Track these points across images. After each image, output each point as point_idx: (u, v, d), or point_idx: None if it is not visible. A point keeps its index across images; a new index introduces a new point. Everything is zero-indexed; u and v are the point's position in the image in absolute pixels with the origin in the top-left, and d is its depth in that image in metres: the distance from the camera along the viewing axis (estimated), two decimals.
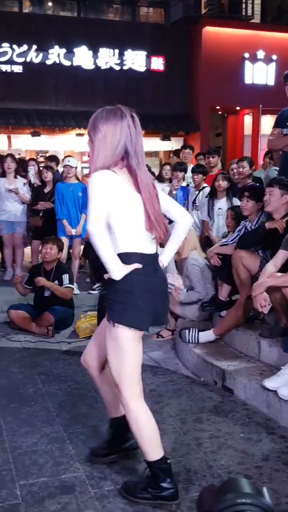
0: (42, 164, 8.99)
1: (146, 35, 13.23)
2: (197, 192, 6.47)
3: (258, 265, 3.93)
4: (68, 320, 5.17)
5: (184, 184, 6.90)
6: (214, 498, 0.85)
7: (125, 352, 2.35)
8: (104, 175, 2.28)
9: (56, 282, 5.13)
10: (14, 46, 12.30)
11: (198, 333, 4.22)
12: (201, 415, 3.33)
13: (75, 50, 12.73)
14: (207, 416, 3.33)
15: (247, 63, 13.75)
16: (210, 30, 13.34)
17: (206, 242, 5.91)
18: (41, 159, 11.32)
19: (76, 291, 6.06)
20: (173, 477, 2.43)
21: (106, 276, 2.36)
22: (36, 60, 12.50)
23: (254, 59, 13.77)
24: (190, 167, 7.26)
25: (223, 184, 5.73)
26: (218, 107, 14.11)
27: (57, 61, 12.65)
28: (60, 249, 5.32)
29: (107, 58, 13.01)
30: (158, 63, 13.45)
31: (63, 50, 12.65)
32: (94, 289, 6.49)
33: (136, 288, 2.30)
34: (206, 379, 3.89)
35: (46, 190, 6.99)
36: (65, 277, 5.18)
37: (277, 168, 5.14)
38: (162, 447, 2.43)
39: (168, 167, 7.59)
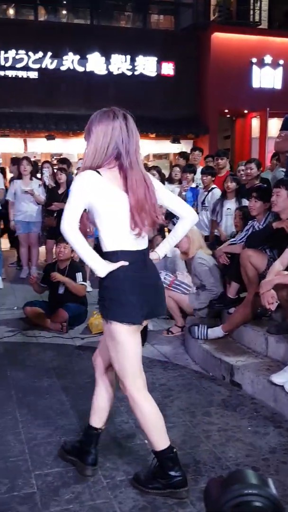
0: (56, 166, 9.02)
1: (157, 41, 13.21)
2: (206, 192, 6.45)
3: (265, 263, 3.91)
4: (82, 317, 5.18)
5: (193, 185, 6.88)
6: (221, 489, 0.85)
7: (123, 346, 2.35)
8: (86, 176, 2.28)
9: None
10: (30, 53, 12.34)
11: (207, 330, 4.21)
12: (210, 409, 3.32)
13: (88, 56, 12.74)
14: (215, 409, 3.32)
15: (255, 68, 13.68)
16: (219, 36, 13.28)
17: (215, 241, 5.89)
18: (55, 162, 11.36)
19: (89, 288, 6.07)
20: (180, 465, 2.43)
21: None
22: (51, 66, 12.53)
23: (261, 64, 13.69)
24: (199, 168, 7.24)
25: (232, 185, 5.72)
26: (226, 111, 14.05)
27: (71, 67, 12.67)
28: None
29: (119, 63, 13.01)
30: (168, 68, 13.42)
31: (77, 57, 12.67)
32: None
33: (123, 284, 2.30)
34: (214, 374, 3.88)
35: (60, 191, 7.01)
36: (79, 275, 5.20)
37: (284, 170, 5.10)
38: (167, 437, 2.43)
39: (177, 168, 7.57)
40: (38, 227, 7.36)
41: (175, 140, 13.33)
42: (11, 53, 12.24)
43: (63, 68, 12.61)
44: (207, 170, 6.62)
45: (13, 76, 12.33)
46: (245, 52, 13.35)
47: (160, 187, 2.49)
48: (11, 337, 4.82)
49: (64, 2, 14.25)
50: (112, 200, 2.28)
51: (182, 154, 8.38)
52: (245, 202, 5.18)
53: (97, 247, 2.44)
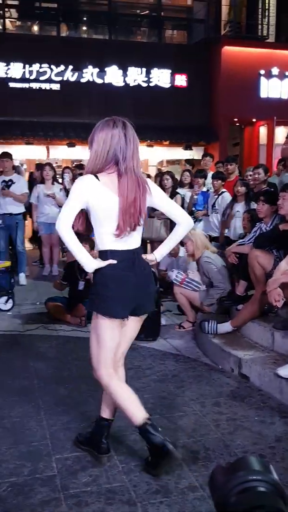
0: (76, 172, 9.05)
1: (171, 54, 13.17)
2: (216, 196, 6.42)
3: (272, 263, 3.88)
4: None
5: (204, 189, 6.86)
6: (226, 476, 0.84)
7: (101, 337, 2.40)
8: (85, 180, 2.33)
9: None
10: (53, 66, 12.39)
11: (216, 325, 4.19)
12: (219, 399, 3.30)
13: (107, 69, 12.75)
14: (224, 400, 3.30)
15: (263, 79, 13.57)
16: (229, 49, 13.21)
17: (225, 242, 5.86)
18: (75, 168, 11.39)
19: None
20: (158, 430, 2.41)
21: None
22: (72, 79, 12.56)
23: (269, 75, 13.58)
24: (210, 173, 7.21)
25: (242, 189, 5.69)
26: (235, 119, 13.96)
27: (91, 79, 12.69)
28: (92, 247, 5.33)
29: (135, 76, 13.00)
30: (181, 80, 13.37)
31: (96, 70, 12.69)
32: None
33: (108, 281, 2.34)
34: (224, 366, 3.86)
35: None
36: None
37: None
38: (143, 410, 2.43)
39: (187, 173, 7.57)
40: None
41: (187, 147, 13.28)
42: (35, 66, 12.29)
43: (83, 80, 12.63)
44: (217, 175, 6.60)
45: (37, 88, 12.39)
46: (253, 64, 13.25)
47: (158, 193, 2.48)
48: (33, 330, 4.85)
49: (84, 19, 14.28)
50: (105, 203, 2.31)
51: (189, 161, 8.43)
52: (253, 205, 5.14)
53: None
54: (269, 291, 3.35)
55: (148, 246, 7.45)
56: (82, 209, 2.34)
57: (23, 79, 12.27)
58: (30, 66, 12.27)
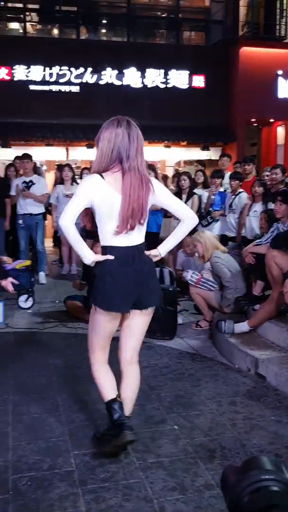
0: None
1: (189, 56, 13.12)
2: (233, 196, 6.39)
3: None
4: None
5: (221, 189, 6.82)
6: (238, 475, 0.83)
7: (96, 327, 2.52)
8: (90, 179, 2.39)
9: None
10: (72, 69, 12.45)
11: (233, 325, 4.16)
12: (236, 399, 3.29)
13: (125, 71, 12.77)
14: (241, 399, 3.28)
15: (280, 79, 13.42)
16: (246, 50, 13.10)
17: (242, 242, 5.83)
18: None
19: None
20: (122, 412, 2.52)
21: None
22: (91, 81, 12.61)
23: (287, 75, 13.42)
24: (227, 174, 7.18)
25: (259, 190, 5.65)
26: (253, 120, 13.85)
27: (109, 81, 12.72)
28: None
29: (154, 77, 12.99)
30: (199, 81, 13.32)
31: (115, 72, 12.72)
32: None
33: (106, 275, 2.41)
34: (240, 366, 3.84)
35: None
36: None
37: None
38: (115, 391, 2.56)
39: (200, 173, 7.56)
40: (78, 228, 7.42)
41: (205, 148, 13.23)
42: (55, 69, 12.38)
43: (102, 82, 12.67)
44: (234, 175, 6.56)
45: (57, 90, 12.47)
46: (271, 65, 13.12)
47: (162, 191, 2.52)
48: (52, 328, 4.89)
49: (104, 21, 14.32)
50: (108, 201, 2.36)
51: (200, 161, 8.45)
52: (271, 205, 5.10)
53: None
54: (286, 291, 3.32)
55: None
56: (88, 208, 2.41)
57: (43, 82, 12.37)
58: (50, 68, 12.35)
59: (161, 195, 2.49)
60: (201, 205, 6.80)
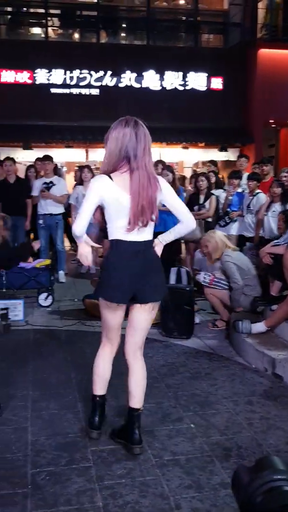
0: None
1: (207, 58, 13.06)
2: (251, 197, 6.33)
3: None
4: None
5: (239, 190, 6.77)
6: (250, 475, 0.82)
7: (102, 316, 2.63)
8: (98, 180, 2.46)
9: None
10: (92, 72, 12.51)
11: (250, 325, 4.12)
12: (252, 398, 3.25)
13: (144, 74, 12.77)
14: (257, 399, 3.24)
15: None
16: (264, 52, 12.98)
17: (259, 242, 5.77)
18: None
19: None
20: (102, 413, 2.73)
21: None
22: (111, 84, 12.65)
23: None
24: (245, 174, 7.12)
25: (278, 190, 5.61)
26: (271, 121, 13.71)
27: (129, 84, 12.74)
28: None
29: (172, 80, 12.96)
30: (217, 83, 13.24)
31: (134, 74, 12.73)
32: None
33: (110, 268, 2.50)
34: (257, 366, 3.79)
35: None
36: None
37: None
38: (105, 390, 2.72)
39: (211, 173, 7.54)
40: (97, 227, 7.44)
41: (223, 149, 13.16)
42: (76, 72, 12.44)
43: (121, 85, 12.70)
44: (252, 176, 6.50)
45: (77, 93, 12.54)
46: None
47: (168, 191, 2.56)
48: (71, 326, 4.91)
49: (124, 25, 14.35)
50: (116, 201, 2.42)
51: (212, 162, 8.41)
52: None
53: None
54: None
55: (183, 245, 7.43)
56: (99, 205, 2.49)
57: (64, 85, 12.45)
58: (71, 72, 12.43)
59: (167, 194, 2.54)
60: (218, 205, 6.76)
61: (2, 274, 5.33)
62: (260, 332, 4.09)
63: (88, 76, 12.51)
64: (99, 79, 12.56)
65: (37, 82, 12.32)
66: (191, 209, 6.52)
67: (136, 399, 2.62)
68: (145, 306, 2.57)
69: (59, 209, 6.96)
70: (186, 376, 3.63)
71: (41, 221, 6.87)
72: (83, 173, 7.40)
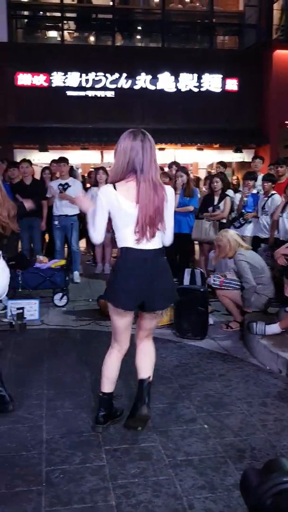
0: None
1: (222, 60, 13.02)
2: (266, 198, 6.29)
3: None
4: None
5: (254, 191, 6.73)
6: (259, 478, 0.81)
7: (111, 318, 2.71)
8: (104, 190, 2.55)
9: None
10: (107, 75, 12.55)
11: (265, 326, 4.09)
12: (266, 400, 3.22)
13: (159, 76, 12.77)
14: (271, 401, 3.21)
15: None
16: (280, 53, 12.89)
17: (274, 243, 5.73)
18: None
19: None
20: (108, 409, 2.78)
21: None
22: (126, 86, 12.68)
23: None
24: (260, 175, 7.07)
25: None
26: (286, 122, 13.60)
27: (144, 86, 12.75)
28: None
29: (187, 81, 12.94)
30: (232, 84, 13.19)
31: (149, 77, 12.74)
32: None
33: (118, 274, 2.58)
34: (271, 367, 3.76)
35: None
36: None
37: None
38: (111, 389, 2.77)
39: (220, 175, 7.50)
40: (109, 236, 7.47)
41: (238, 150, 13.09)
42: (91, 75, 12.50)
43: (136, 87, 12.72)
44: (267, 177, 6.46)
45: (93, 95, 12.60)
46: None
47: (171, 204, 2.62)
48: (86, 325, 4.93)
49: (139, 28, 14.38)
50: (121, 211, 2.50)
51: (222, 163, 8.37)
52: None
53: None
54: None
55: (197, 247, 7.41)
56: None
57: (79, 88, 12.52)
58: (86, 75, 12.50)
59: (169, 207, 2.60)
60: (233, 206, 6.73)
61: (18, 274, 5.38)
62: (274, 334, 4.05)
63: (103, 78, 12.57)
64: (115, 81, 12.60)
65: (53, 85, 12.41)
66: (206, 211, 6.53)
67: (143, 369, 2.76)
68: (153, 313, 2.69)
69: (74, 210, 6.99)
70: (199, 377, 3.62)
71: (56, 222, 6.92)
72: (98, 175, 7.43)
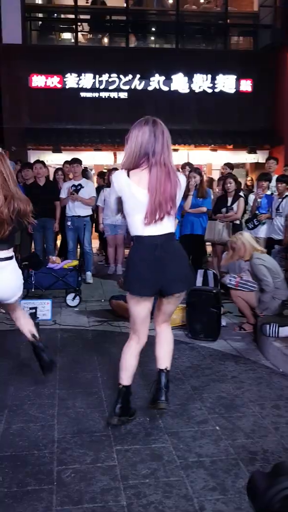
0: None
1: (236, 60, 12.98)
2: (280, 199, 6.25)
3: None
4: None
5: (268, 192, 6.69)
6: (267, 482, 0.80)
7: (130, 309, 2.76)
8: (116, 176, 2.60)
9: None
10: (121, 76, 12.60)
11: (278, 328, 4.06)
12: (279, 402, 3.20)
13: (173, 77, 12.78)
14: (284, 403, 3.19)
15: None
16: None
17: None
18: None
19: None
20: (125, 402, 2.78)
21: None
22: (139, 87, 12.71)
23: None
24: (274, 177, 7.02)
25: None
26: None
27: (157, 87, 12.77)
28: None
29: (201, 82, 12.93)
30: (246, 85, 13.14)
31: (162, 78, 12.76)
32: None
33: (130, 263, 2.67)
34: (284, 370, 3.73)
35: None
36: None
37: None
38: (129, 381, 2.79)
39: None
40: (124, 229, 7.49)
41: (252, 151, 13.03)
42: (105, 76, 12.56)
43: (150, 88, 12.74)
44: (282, 178, 6.42)
45: (106, 97, 12.66)
46: None
47: (180, 193, 2.66)
48: (98, 326, 4.95)
49: (153, 29, 14.40)
50: (133, 198, 2.54)
51: (228, 165, 8.32)
52: None
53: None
54: None
55: (209, 248, 7.38)
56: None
57: (93, 89, 12.59)
58: (100, 76, 12.56)
59: (179, 194, 2.65)
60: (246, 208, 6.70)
61: (31, 274, 5.42)
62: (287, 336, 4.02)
63: (117, 80, 12.61)
64: (128, 82, 12.64)
65: (67, 86, 12.50)
66: (219, 212, 6.50)
67: (161, 360, 2.80)
68: (171, 297, 2.73)
69: (87, 211, 7.02)
70: (212, 378, 3.60)
71: (69, 223, 6.96)
72: (111, 175, 7.45)
